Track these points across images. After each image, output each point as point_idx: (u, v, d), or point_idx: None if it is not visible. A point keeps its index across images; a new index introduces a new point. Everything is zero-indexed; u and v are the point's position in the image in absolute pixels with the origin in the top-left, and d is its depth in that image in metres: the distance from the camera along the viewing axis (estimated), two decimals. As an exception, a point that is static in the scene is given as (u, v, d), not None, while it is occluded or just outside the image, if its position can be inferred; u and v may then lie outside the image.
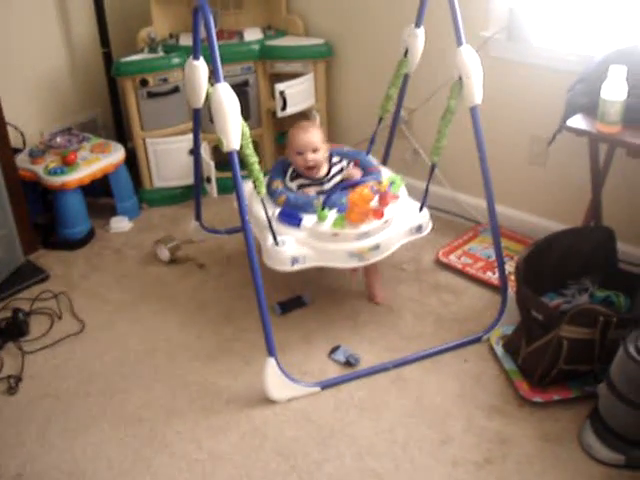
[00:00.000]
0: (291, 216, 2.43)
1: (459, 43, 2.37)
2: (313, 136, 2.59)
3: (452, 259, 2.94)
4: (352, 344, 2.52)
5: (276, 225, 2.40)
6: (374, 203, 2.38)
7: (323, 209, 2.36)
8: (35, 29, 3.33)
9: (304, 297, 2.73)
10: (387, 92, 2.76)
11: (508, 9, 2.75)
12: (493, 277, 2.81)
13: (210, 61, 2.12)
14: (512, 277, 2.56)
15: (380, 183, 2.37)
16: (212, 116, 2.17)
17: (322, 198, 2.45)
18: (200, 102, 2.54)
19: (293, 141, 2.61)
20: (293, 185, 2.62)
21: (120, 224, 3.29)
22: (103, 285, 2.92)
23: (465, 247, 3.02)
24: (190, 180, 3.38)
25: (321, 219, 2.37)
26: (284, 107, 3.26)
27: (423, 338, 2.55)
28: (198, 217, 3.09)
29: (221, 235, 3.18)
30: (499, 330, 2.52)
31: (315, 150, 2.59)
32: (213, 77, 2.11)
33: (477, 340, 2.52)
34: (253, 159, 2.24)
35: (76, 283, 2.94)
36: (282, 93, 3.22)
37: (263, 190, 2.30)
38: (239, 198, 2.15)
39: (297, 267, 2.39)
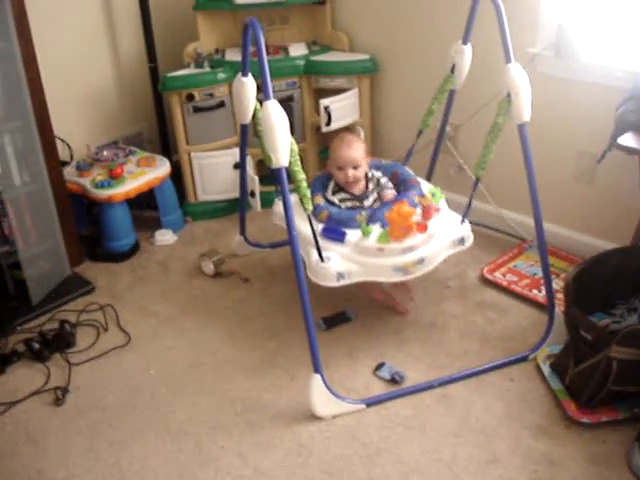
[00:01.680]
0: (335, 232, 2.44)
1: (508, 60, 2.36)
2: (355, 152, 2.60)
3: (497, 276, 2.92)
4: (397, 361, 2.51)
5: (320, 241, 2.40)
6: (417, 217, 2.37)
7: (367, 224, 2.36)
8: (83, 44, 3.39)
9: (348, 312, 2.73)
10: (430, 107, 2.76)
11: (557, 25, 2.73)
12: (539, 295, 2.78)
13: (258, 77, 2.14)
14: (559, 295, 2.53)
15: (423, 196, 2.36)
16: (258, 132, 2.20)
17: (365, 213, 2.45)
18: (248, 118, 2.55)
19: (335, 155, 2.62)
20: (335, 199, 2.63)
21: (165, 237, 3.32)
22: (148, 297, 2.95)
23: (510, 264, 2.99)
24: (234, 194, 3.41)
25: (365, 234, 2.37)
26: (329, 122, 3.27)
27: (468, 356, 2.53)
28: (242, 231, 3.11)
29: (265, 249, 3.19)
30: (546, 349, 2.49)
31: (356, 167, 2.60)
32: (261, 93, 2.12)
33: (523, 359, 2.50)
34: (301, 176, 2.25)
35: (122, 295, 2.97)
36: (327, 108, 3.23)
37: (310, 207, 2.31)
38: (287, 213, 2.16)
39: (343, 282, 2.39)
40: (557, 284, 2.80)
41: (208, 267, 3.04)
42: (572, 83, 2.76)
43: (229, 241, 3.27)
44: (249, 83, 2.47)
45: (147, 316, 2.84)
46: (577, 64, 2.72)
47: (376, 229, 2.39)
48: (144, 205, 3.42)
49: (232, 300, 2.90)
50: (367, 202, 2.64)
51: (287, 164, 2.16)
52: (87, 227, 3.33)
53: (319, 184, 2.70)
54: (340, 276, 2.38)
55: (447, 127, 2.95)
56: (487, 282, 2.91)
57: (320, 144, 3.56)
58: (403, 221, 2.30)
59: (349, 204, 2.63)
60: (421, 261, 2.39)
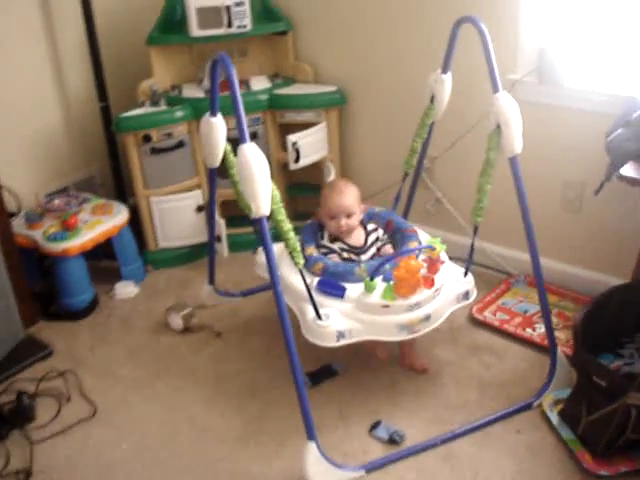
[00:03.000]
0: (333, 286, 2.24)
1: (495, 89, 2.21)
2: (348, 199, 2.43)
3: (487, 316, 2.75)
4: (393, 418, 2.32)
5: (315, 296, 2.19)
6: (423, 271, 2.19)
7: (371, 279, 2.16)
8: (27, 83, 3.12)
9: (334, 365, 2.53)
10: (412, 145, 2.59)
11: (538, 50, 2.60)
12: (534, 334, 2.63)
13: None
14: (558, 335, 2.39)
15: (433, 250, 2.18)
16: (230, 175, 2.04)
17: (364, 265, 2.27)
18: (217, 161, 2.34)
19: (326, 204, 2.44)
20: (335, 246, 2.45)
21: (126, 289, 3.08)
22: (113, 360, 2.70)
23: (499, 301, 2.84)
24: (197, 239, 3.21)
25: (369, 290, 2.17)
26: (297, 159, 3.08)
27: (468, 407, 2.35)
28: (212, 280, 2.88)
29: (236, 298, 2.97)
30: (550, 395, 2.33)
31: (349, 215, 2.41)
32: (238, 134, 1.93)
33: (528, 407, 2.33)
34: (287, 226, 2.06)
35: (83, 358, 2.71)
36: (295, 144, 3.04)
37: (302, 260, 2.11)
38: (270, 267, 1.96)
39: (343, 342, 2.19)
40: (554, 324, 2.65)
41: (176, 322, 2.80)
42: (556, 109, 2.64)
43: (195, 290, 3.04)
44: (218, 124, 2.26)
45: (113, 381, 2.58)
46: (561, 89, 2.60)
47: (380, 284, 2.19)
48: (101, 255, 3.16)
49: (205, 358, 2.67)
50: (365, 256, 2.46)
51: (268, 213, 1.96)
52: (39, 283, 3.06)
53: (310, 233, 2.51)
54: (340, 335, 2.18)
55: (425, 161, 2.78)
56: (477, 323, 2.74)
57: (287, 181, 3.37)
58: (412, 277, 2.12)
59: (346, 255, 2.45)
60: (427, 318, 2.21)
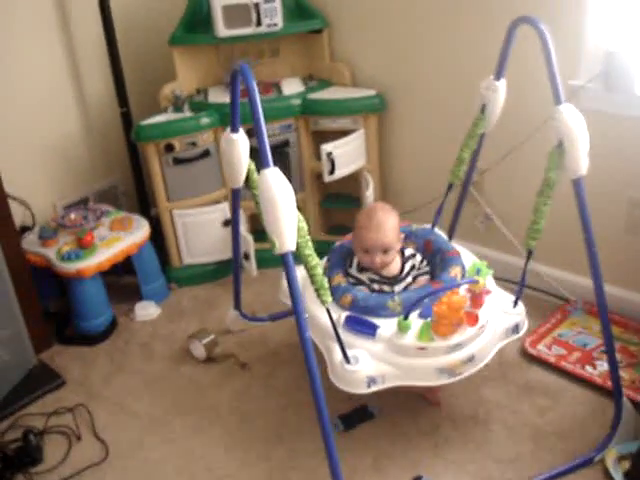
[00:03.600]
0: (363, 324, 1.98)
1: (557, 101, 1.92)
2: (386, 235, 2.13)
3: (542, 350, 2.46)
4: (435, 471, 2.06)
5: (343, 334, 1.94)
6: (467, 307, 1.92)
7: (406, 318, 1.89)
8: (44, 89, 2.92)
9: (370, 407, 2.27)
10: (459, 155, 2.30)
11: (604, 53, 2.29)
12: (595, 373, 2.34)
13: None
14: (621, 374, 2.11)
15: (476, 284, 1.90)
16: (254, 196, 1.74)
17: (398, 298, 2.00)
18: (240, 181, 2.10)
19: (361, 237, 2.16)
20: (363, 277, 2.18)
21: (146, 311, 2.86)
22: (129, 392, 2.48)
23: (554, 333, 2.55)
24: (224, 255, 2.97)
25: (403, 330, 1.91)
26: (332, 170, 2.82)
27: (521, 461, 2.08)
28: (237, 305, 2.64)
29: (264, 323, 2.73)
30: (614, 450, 2.04)
31: (386, 250, 2.14)
32: (260, 157, 1.67)
33: (588, 462, 2.04)
34: (314, 261, 1.80)
35: (97, 391, 2.50)
36: (330, 155, 2.78)
37: (329, 299, 1.85)
38: (297, 314, 1.70)
39: (374, 389, 1.93)
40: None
41: (199, 351, 2.57)
42: (623, 119, 2.34)
43: (221, 311, 2.81)
44: (240, 141, 2.01)
45: (128, 418, 2.37)
46: (630, 97, 2.29)
47: (415, 322, 1.93)
48: (121, 270, 2.94)
49: (229, 393, 2.44)
50: (399, 287, 2.18)
51: (294, 248, 1.70)
52: (55, 302, 2.86)
53: (338, 258, 2.24)
54: (371, 381, 1.92)
55: (474, 174, 2.49)
56: (530, 358, 2.46)
57: (321, 193, 3.11)
58: (454, 315, 1.85)
59: (376, 287, 2.18)
60: (471, 359, 1.95)
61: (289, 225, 1.67)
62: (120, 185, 3.28)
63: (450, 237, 2.49)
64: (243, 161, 2.03)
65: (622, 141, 2.36)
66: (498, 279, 2.34)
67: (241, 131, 2.01)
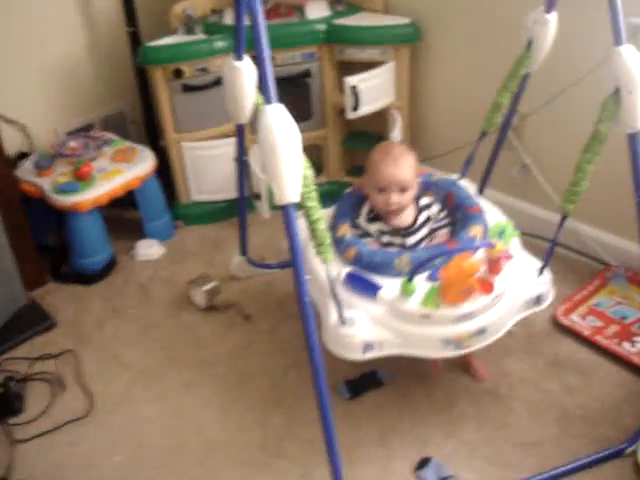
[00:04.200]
0: (364, 283, 1.75)
1: (618, 41, 1.62)
2: (403, 171, 1.87)
3: (575, 320, 2.22)
4: (446, 453, 1.85)
5: (342, 293, 1.72)
6: (481, 273, 1.67)
7: (410, 280, 1.66)
8: (45, 5, 2.65)
9: (380, 373, 2.06)
10: (496, 99, 2.02)
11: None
12: (633, 351, 2.09)
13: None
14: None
15: (493, 248, 1.64)
16: (260, 148, 1.48)
17: (406, 256, 1.76)
18: (245, 117, 1.86)
19: (376, 173, 1.89)
20: (372, 228, 1.93)
21: (149, 250, 2.65)
22: (122, 339, 2.30)
23: (591, 302, 2.29)
24: (236, 193, 2.72)
25: (407, 293, 1.67)
26: (356, 106, 2.54)
27: (543, 447, 1.86)
28: (244, 251, 2.42)
29: (273, 270, 2.51)
30: (649, 443, 1.81)
31: (403, 189, 1.88)
32: (262, 91, 1.42)
33: (618, 454, 1.82)
34: (317, 215, 1.55)
35: (88, 335, 2.33)
36: (354, 89, 2.50)
37: (330, 256, 1.62)
38: (297, 276, 1.47)
39: (370, 355, 1.72)
40: (656, 331, 2.12)
41: (199, 299, 2.37)
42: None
43: (230, 254, 2.58)
44: (245, 69, 1.76)
45: (118, 368, 2.19)
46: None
47: (421, 284, 1.69)
48: (126, 203, 2.72)
49: (228, 347, 2.24)
50: (411, 240, 1.93)
51: (297, 199, 1.46)
52: (54, 235, 2.66)
53: (347, 207, 1.99)
54: (367, 347, 1.71)
55: (514, 118, 2.20)
56: (562, 328, 2.22)
57: (344, 130, 2.84)
58: (463, 282, 1.60)
59: (386, 239, 1.93)
60: (481, 332, 1.71)
61: (292, 173, 1.42)
62: (128, 112, 3.05)
63: (482, 187, 2.23)
64: (248, 93, 1.77)
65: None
66: (532, 236, 2.09)
67: (246, 58, 1.75)
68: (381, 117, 2.70)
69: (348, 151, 2.88)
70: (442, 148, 2.65)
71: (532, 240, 2.24)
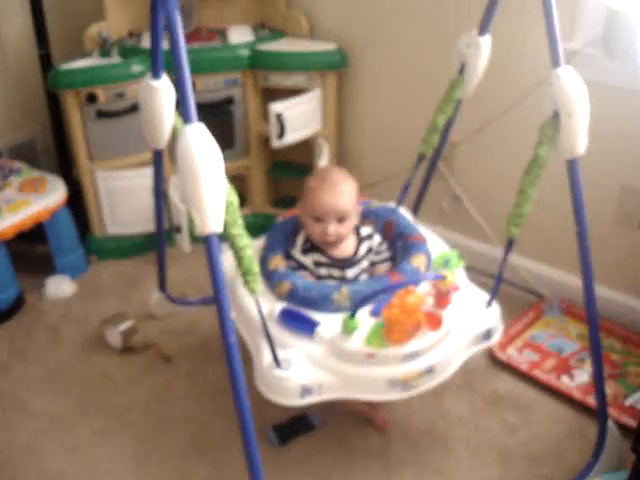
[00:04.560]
0: (301, 320, 1.63)
1: (556, 63, 1.57)
2: (342, 199, 1.75)
3: (512, 355, 2.14)
4: (384, 501, 1.72)
5: (276, 331, 1.59)
6: (428, 303, 1.57)
7: (352, 316, 1.54)
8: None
9: (312, 417, 1.92)
10: (433, 121, 1.95)
11: (605, 11, 1.94)
12: (572, 385, 2.03)
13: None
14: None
15: (444, 281, 1.54)
16: (179, 171, 1.35)
17: (345, 289, 1.64)
18: (163, 141, 1.72)
19: (312, 200, 1.78)
20: (307, 260, 1.80)
21: (60, 287, 2.46)
22: (30, 386, 2.10)
23: (527, 334, 2.23)
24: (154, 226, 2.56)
25: (349, 330, 1.55)
26: (282, 134, 2.43)
27: (486, 491, 1.75)
28: (162, 286, 2.26)
29: (194, 307, 2.36)
30: (595, 480, 1.73)
31: (342, 219, 1.77)
32: (181, 109, 1.29)
33: (564, 495, 1.73)
34: (243, 242, 1.43)
35: (-9, 382, 2.11)
36: (279, 116, 2.39)
37: (259, 287, 1.48)
38: (220, 314, 1.34)
39: (309, 400, 1.59)
40: (591, 365, 2.05)
41: (114, 339, 2.19)
42: (624, 93, 1.99)
43: (147, 292, 2.40)
44: (163, 89, 1.63)
45: (25, 417, 1.99)
46: (632, 67, 1.95)
47: (364, 320, 1.57)
48: (35, 237, 2.53)
49: (146, 392, 2.07)
50: (351, 273, 1.82)
51: (220, 229, 1.32)
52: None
53: (279, 237, 1.86)
54: (305, 391, 1.58)
55: (445, 146, 2.13)
56: (499, 363, 2.13)
57: (269, 160, 2.72)
58: (408, 319, 1.49)
59: (324, 272, 1.81)
60: (430, 370, 1.60)
61: (214, 199, 1.30)
62: (39, 140, 2.86)
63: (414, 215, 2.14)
64: (166, 115, 1.64)
65: (620, 119, 2.02)
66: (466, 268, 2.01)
67: (164, 77, 1.63)
68: (307, 146, 2.59)
69: (273, 181, 2.77)
70: (370, 177, 2.56)
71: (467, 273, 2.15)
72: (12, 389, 2.09)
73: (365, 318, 1.58)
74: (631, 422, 1.88)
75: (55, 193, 2.41)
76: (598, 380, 1.74)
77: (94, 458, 1.86)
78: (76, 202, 2.57)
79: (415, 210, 2.22)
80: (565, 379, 2.05)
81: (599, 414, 1.77)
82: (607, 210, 2.16)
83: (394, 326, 1.49)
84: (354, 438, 1.89)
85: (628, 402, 1.97)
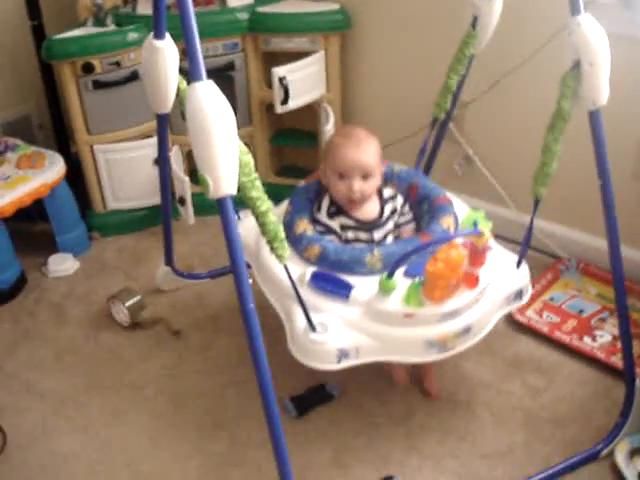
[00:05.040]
0: (334, 283, 1.56)
1: (575, 10, 1.50)
2: (366, 155, 1.70)
3: (531, 316, 2.09)
4: (409, 469, 1.68)
5: (308, 296, 1.52)
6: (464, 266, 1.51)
7: (390, 276, 1.47)
8: None
9: (329, 387, 1.87)
10: (446, 82, 1.88)
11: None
12: (595, 346, 1.97)
13: (180, 39, 1.22)
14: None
15: (481, 236, 1.47)
16: (189, 132, 1.28)
17: (378, 252, 1.58)
18: (167, 105, 1.65)
19: (336, 157, 1.71)
20: (334, 224, 1.74)
21: (62, 265, 2.40)
22: (36, 365, 2.04)
23: (545, 296, 2.17)
24: (156, 199, 2.48)
25: (386, 291, 1.49)
26: (285, 99, 2.36)
27: (512, 455, 1.71)
28: (169, 260, 2.20)
29: (202, 280, 2.30)
30: (625, 442, 1.68)
31: (367, 176, 1.71)
32: (188, 66, 1.21)
33: (593, 457, 1.69)
34: (264, 206, 1.35)
35: (-2, 362, 2.05)
36: (282, 80, 2.31)
37: (286, 253, 1.41)
38: (238, 281, 1.27)
39: (346, 364, 1.53)
40: (613, 325, 2.01)
41: (121, 315, 2.13)
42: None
43: (153, 266, 2.35)
44: (167, 50, 1.55)
45: (33, 398, 1.93)
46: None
47: (401, 282, 1.51)
48: (34, 215, 2.47)
49: (157, 367, 2.01)
50: (378, 234, 1.76)
51: (234, 192, 1.26)
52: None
53: (303, 201, 1.80)
54: (343, 355, 1.52)
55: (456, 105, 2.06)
56: (518, 326, 2.08)
57: (272, 128, 2.65)
58: (452, 274, 1.43)
59: (351, 235, 1.75)
60: (467, 330, 1.55)
61: (227, 159, 1.23)
62: (35, 116, 2.78)
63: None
64: (170, 76, 1.58)
65: (638, 71, 1.94)
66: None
67: (168, 37, 1.55)
68: (312, 112, 2.52)
69: (277, 150, 2.70)
70: (380, 141, 2.49)
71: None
72: (19, 370, 2.03)
73: (400, 280, 1.52)
74: (658, 381, 1.83)
75: (54, 168, 2.34)
76: (626, 340, 1.69)
77: (107, 437, 1.81)
78: (76, 179, 2.50)
79: (426, 171, 2.16)
80: (587, 340, 2.00)
81: (627, 373, 1.72)
82: (624, 166, 2.09)
83: (438, 281, 1.42)
84: (374, 406, 1.84)
85: (653, 361, 1.92)
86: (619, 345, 1.85)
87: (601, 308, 2.10)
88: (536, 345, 2.02)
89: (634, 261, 2.16)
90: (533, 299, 2.14)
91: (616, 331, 1.96)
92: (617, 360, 1.88)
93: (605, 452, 1.69)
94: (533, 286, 2.11)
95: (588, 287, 2.19)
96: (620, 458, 1.66)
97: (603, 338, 2.00)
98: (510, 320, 2.08)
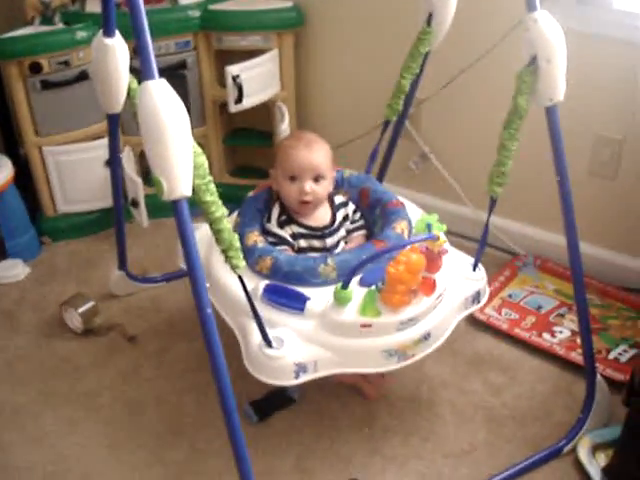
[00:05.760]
0: (289, 295, 1.53)
1: (531, 7, 1.49)
2: (318, 155, 1.69)
3: (490, 314, 2.09)
4: (373, 472, 1.67)
5: (262, 310, 1.48)
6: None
7: (344, 286, 1.45)
8: None
9: (290, 390, 1.84)
10: (399, 82, 1.86)
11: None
12: (555, 342, 1.98)
13: (130, 37, 1.18)
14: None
15: (436, 241, 1.46)
16: (141, 132, 1.23)
17: (332, 261, 1.55)
18: (117, 105, 1.60)
19: (286, 159, 1.70)
20: (285, 233, 1.71)
21: (12, 271, 2.33)
22: (-14, 376, 1.97)
23: (504, 293, 2.17)
24: (109, 202, 2.42)
25: (341, 302, 1.46)
26: (240, 98, 2.32)
27: (476, 454, 1.71)
28: (123, 264, 2.14)
29: (157, 284, 2.25)
30: (587, 438, 1.69)
31: (318, 178, 1.69)
32: (140, 64, 1.17)
33: (556, 454, 1.69)
34: (219, 212, 1.31)
35: (-57, 374, 1.98)
36: (236, 79, 2.28)
37: (242, 263, 1.36)
38: (195, 285, 1.24)
39: (305, 378, 1.50)
40: (572, 320, 2.03)
41: (75, 321, 2.07)
42: (597, 40, 1.94)
43: (106, 271, 2.29)
44: (117, 47, 1.51)
45: (-18, 410, 1.86)
46: (606, 13, 1.89)
47: (357, 291, 1.48)
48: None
49: (112, 374, 1.96)
50: (331, 240, 1.74)
51: (189, 193, 1.22)
52: None
53: (253, 211, 1.76)
54: (301, 369, 1.48)
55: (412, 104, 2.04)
56: (478, 324, 2.08)
57: (226, 127, 2.61)
58: (413, 279, 1.41)
59: (303, 243, 1.72)
60: (426, 337, 1.54)
61: (182, 160, 1.19)
62: (-19, 117, 2.69)
63: (380, 181, 2.06)
64: (121, 75, 1.54)
65: (593, 66, 1.96)
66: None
67: (118, 35, 1.50)
68: (266, 111, 2.49)
69: (230, 150, 2.66)
70: (333, 142, 2.45)
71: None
72: (-33, 381, 1.96)
73: (356, 289, 1.50)
74: (617, 376, 1.85)
75: (1, 171, 2.27)
76: (586, 335, 1.69)
77: (62, 448, 1.76)
78: (24, 182, 2.43)
79: (381, 173, 2.14)
80: (547, 336, 2.00)
81: (587, 369, 1.72)
82: (580, 161, 2.11)
83: (397, 286, 1.40)
84: (336, 410, 1.82)
85: (612, 355, 1.94)
86: (578, 340, 1.88)
87: (559, 304, 2.11)
88: (496, 342, 2.02)
89: (591, 256, 2.17)
90: (492, 296, 2.13)
91: (574, 326, 1.98)
92: (577, 355, 1.89)
93: (568, 448, 1.69)
94: (491, 283, 2.14)
95: (546, 283, 2.20)
96: (583, 454, 1.66)
97: (562, 334, 2.01)
98: (469, 318, 2.06)
